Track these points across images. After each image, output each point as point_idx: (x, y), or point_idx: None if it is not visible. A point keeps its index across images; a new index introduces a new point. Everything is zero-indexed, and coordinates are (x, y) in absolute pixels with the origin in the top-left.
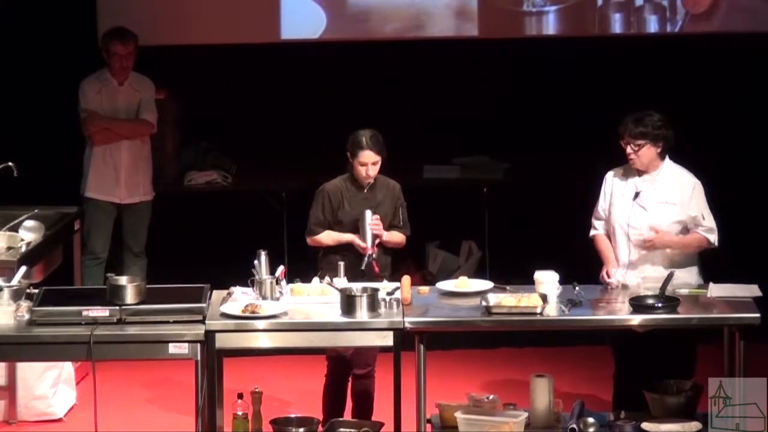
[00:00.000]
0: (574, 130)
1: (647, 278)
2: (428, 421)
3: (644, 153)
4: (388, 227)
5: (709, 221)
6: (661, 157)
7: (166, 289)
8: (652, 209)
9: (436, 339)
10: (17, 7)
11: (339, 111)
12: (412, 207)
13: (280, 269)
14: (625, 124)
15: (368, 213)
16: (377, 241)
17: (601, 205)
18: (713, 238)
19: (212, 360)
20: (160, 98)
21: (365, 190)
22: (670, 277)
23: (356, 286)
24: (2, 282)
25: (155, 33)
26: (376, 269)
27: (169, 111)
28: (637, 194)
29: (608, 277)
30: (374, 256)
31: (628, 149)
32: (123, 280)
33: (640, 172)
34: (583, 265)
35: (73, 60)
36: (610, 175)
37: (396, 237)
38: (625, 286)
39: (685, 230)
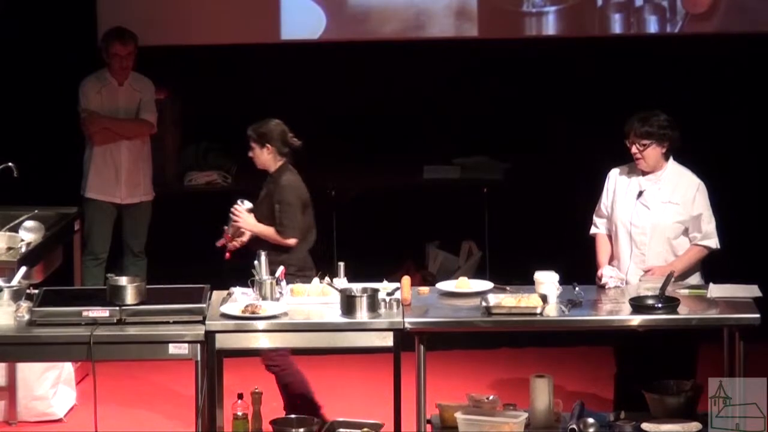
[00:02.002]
0: (574, 130)
1: (647, 278)
2: (428, 421)
3: (650, 153)
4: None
5: (709, 225)
6: (666, 157)
7: (166, 290)
8: (655, 209)
9: (436, 339)
10: (17, 7)
11: (338, 111)
12: (412, 207)
13: (280, 269)
14: (631, 124)
15: (239, 201)
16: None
17: (604, 202)
18: (712, 243)
19: (212, 360)
20: (160, 98)
21: (269, 178)
22: (670, 277)
23: (356, 287)
24: (2, 282)
25: (155, 33)
26: (227, 255)
27: (169, 111)
28: (640, 193)
29: (600, 280)
30: (232, 242)
31: (634, 149)
32: (123, 280)
33: (644, 172)
34: (583, 265)
35: (73, 60)
36: (613, 173)
37: (263, 229)
38: (623, 281)
39: (687, 231)
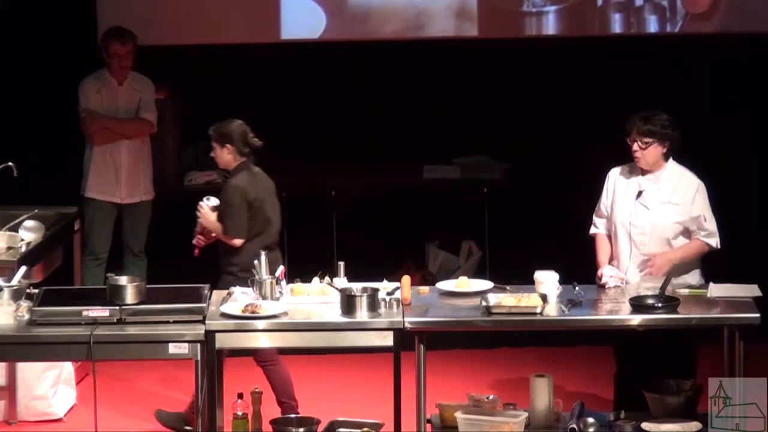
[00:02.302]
0: (574, 130)
1: (647, 278)
2: (428, 421)
3: (650, 152)
4: None
5: (710, 224)
6: (666, 157)
7: (166, 289)
8: (654, 209)
9: (436, 339)
10: (17, 7)
11: (339, 111)
12: (412, 207)
13: (280, 269)
14: (633, 122)
15: (205, 198)
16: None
17: (604, 202)
18: (714, 241)
19: (212, 360)
20: (160, 98)
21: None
22: (670, 276)
23: (356, 286)
24: (2, 282)
25: (155, 33)
26: (196, 252)
27: (169, 111)
28: (639, 193)
29: (600, 280)
30: (201, 240)
31: (635, 146)
32: (123, 280)
33: (643, 172)
34: (583, 265)
35: (73, 60)
36: (613, 172)
37: (216, 227)
38: (623, 281)
39: (687, 231)
